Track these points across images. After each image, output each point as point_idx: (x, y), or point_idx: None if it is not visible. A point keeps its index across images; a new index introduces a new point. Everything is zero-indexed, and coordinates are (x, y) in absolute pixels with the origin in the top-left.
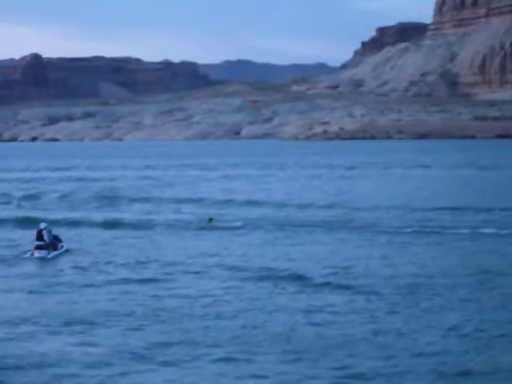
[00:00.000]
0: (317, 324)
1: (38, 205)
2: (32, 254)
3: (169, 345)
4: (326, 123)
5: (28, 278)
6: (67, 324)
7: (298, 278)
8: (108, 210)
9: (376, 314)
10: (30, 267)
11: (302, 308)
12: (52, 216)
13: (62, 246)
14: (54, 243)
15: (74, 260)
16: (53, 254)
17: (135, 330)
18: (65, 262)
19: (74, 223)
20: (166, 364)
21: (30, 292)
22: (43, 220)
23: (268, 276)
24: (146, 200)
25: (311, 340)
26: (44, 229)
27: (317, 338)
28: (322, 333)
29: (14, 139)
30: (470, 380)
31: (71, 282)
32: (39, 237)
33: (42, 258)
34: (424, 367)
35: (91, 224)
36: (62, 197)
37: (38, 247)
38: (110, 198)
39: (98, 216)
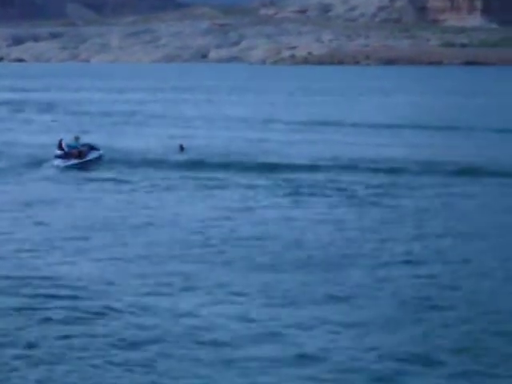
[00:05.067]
0: None
1: None
2: (52, 163)
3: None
4: (293, 48)
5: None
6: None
7: None
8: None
9: None
10: (38, 175)
11: None
12: None
13: (94, 154)
14: (80, 152)
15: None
16: (70, 162)
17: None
18: (75, 173)
19: None
20: None
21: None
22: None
23: None
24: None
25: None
26: (62, 139)
27: None
28: None
29: None
30: None
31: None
32: (59, 147)
33: (57, 166)
34: None
35: None
36: None
37: (56, 156)
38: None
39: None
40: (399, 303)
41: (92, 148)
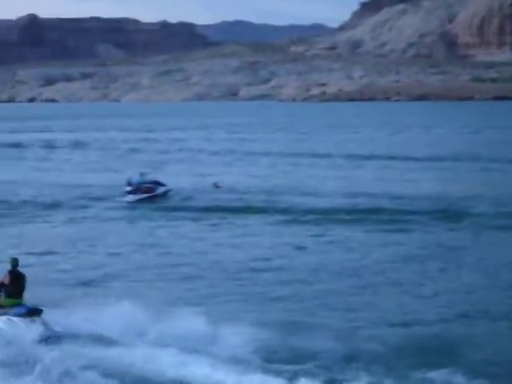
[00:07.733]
0: None
1: None
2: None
3: None
4: (323, 85)
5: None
6: None
7: None
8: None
9: None
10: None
11: None
12: None
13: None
14: (148, 187)
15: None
16: (138, 196)
17: None
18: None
19: None
20: None
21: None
22: None
23: None
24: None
25: None
26: (130, 176)
27: None
28: None
29: (11, 100)
30: None
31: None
32: (128, 183)
33: (127, 202)
34: None
35: None
36: None
37: (127, 192)
38: None
39: None
40: None
41: (158, 183)
